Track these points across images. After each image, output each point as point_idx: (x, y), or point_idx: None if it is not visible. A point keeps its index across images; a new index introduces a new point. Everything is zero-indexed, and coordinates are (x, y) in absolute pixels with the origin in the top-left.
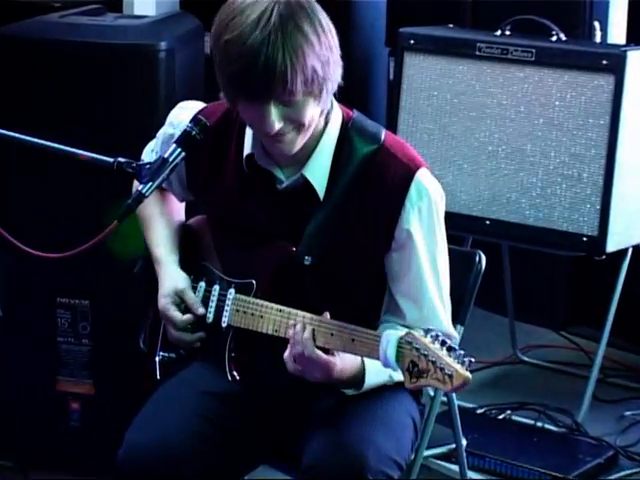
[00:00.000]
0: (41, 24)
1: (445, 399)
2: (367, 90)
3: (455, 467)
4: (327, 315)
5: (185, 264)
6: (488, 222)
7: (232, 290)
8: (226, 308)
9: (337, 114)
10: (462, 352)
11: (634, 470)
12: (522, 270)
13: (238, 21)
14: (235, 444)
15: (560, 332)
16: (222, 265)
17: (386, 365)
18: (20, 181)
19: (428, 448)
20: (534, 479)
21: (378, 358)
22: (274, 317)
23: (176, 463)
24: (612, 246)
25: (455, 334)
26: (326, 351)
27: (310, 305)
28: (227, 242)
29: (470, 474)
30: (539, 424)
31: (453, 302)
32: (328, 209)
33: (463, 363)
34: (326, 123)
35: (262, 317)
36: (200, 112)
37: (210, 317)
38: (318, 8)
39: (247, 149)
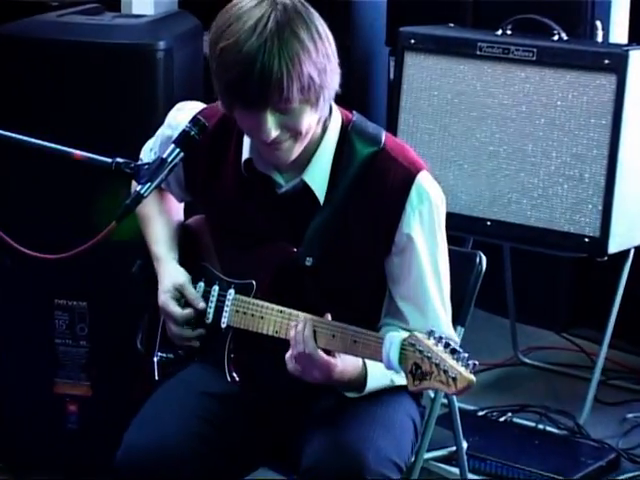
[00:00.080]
0: (39, 23)
1: (445, 401)
2: (367, 90)
3: (456, 470)
4: (328, 316)
5: (184, 264)
6: (489, 223)
7: (232, 290)
8: (225, 309)
9: (336, 118)
10: (466, 355)
11: (636, 473)
12: (523, 271)
13: (234, 28)
14: (234, 445)
15: (562, 334)
16: (221, 265)
17: (389, 367)
18: (18, 182)
19: (428, 450)
20: None
21: (381, 360)
22: (275, 318)
23: (175, 465)
24: (614, 247)
25: (456, 337)
26: (327, 353)
27: (310, 306)
28: (226, 243)
29: (471, 477)
30: (540, 426)
31: (454, 303)
32: (328, 212)
33: (467, 366)
34: (325, 128)
35: (262, 318)
36: (199, 113)
37: (209, 317)
38: (316, 15)
39: (245, 153)
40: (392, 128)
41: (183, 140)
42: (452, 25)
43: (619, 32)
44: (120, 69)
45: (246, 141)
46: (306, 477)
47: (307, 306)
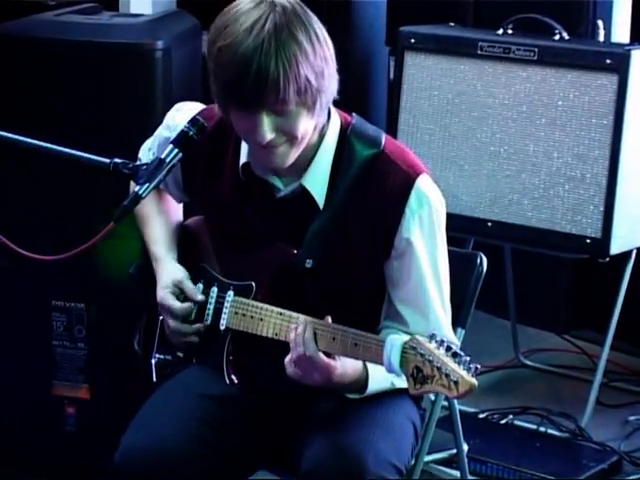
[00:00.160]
0: (36, 23)
1: (446, 403)
2: (367, 90)
3: (456, 472)
4: (329, 319)
5: (183, 265)
6: (490, 224)
7: (231, 292)
8: (224, 310)
9: (335, 121)
10: (468, 358)
11: (638, 476)
12: (524, 272)
13: (232, 29)
14: (233, 448)
15: (563, 335)
16: (221, 267)
17: (390, 370)
18: (15, 182)
19: (429, 453)
20: None
21: (381, 363)
22: (274, 320)
23: (173, 467)
24: (616, 248)
25: (456, 340)
26: (327, 355)
27: (309, 309)
28: (225, 245)
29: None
30: (542, 429)
31: (454, 305)
32: (328, 215)
33: (469, 369)
34: (323, 134)
35: (262, 320)
36: (198, 113)
37: (208, 319)
38: (315, 19)
39: (243, 157)
40: (392, 128)
41: (182, 140)
42: (453, 24)
43: (621, 32)
44: (118, 69)
45: (244, 145)
46: None
47: (306, 308)
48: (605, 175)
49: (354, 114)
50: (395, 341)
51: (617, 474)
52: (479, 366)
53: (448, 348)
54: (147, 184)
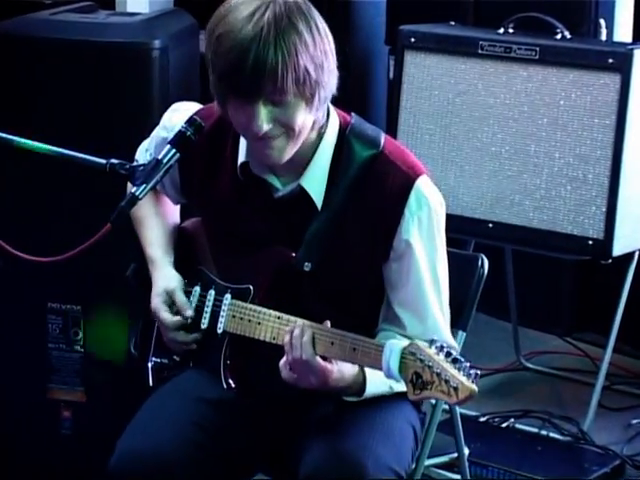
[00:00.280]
0: (32, 21)
1: (447, 407)
2: (367, 90)
3: (457, 476)
4: (328, 324)
5: (180, 268)
6: (491, 225)
7: (228, 295)
8: (222, 314)
9: (334, 121)
10: (468, 364)
11: None
12: (526, 274)
13: (231, 17)
14: (230, 452)
15: (565, 338)
16: (218, 269)
17: (389, 376)
18: (10, 183)
19: (429, 457)
20: None
21: (380, 368)
22: (272, 324)
23: (169, 471)
24: (618, 249)
25: (455, 345)
26: (324, 359)
27: (308, 312)
28: (223, 247)
29: None
30: (543, 432)
31: (455, 307)
32: (326, 217)
33: (469, 375)
34: (322, 133)
35: (259, 324)
36: (196, 113)
37: (205, 323)
38: (316, 12)
39: (242, 157)
40: (392, 128)
41: (179, 141)
42: (453, 23)
43: (623, 31)
44: (114, 68)
45: (242, 144)
46: None
47: (304, 311)
48: (607, 176)
49: (353, 114)
50: (394, 346)
51: (620, 478)
52: (479, 372)
53: (448, 354)
54: (144, 185)
